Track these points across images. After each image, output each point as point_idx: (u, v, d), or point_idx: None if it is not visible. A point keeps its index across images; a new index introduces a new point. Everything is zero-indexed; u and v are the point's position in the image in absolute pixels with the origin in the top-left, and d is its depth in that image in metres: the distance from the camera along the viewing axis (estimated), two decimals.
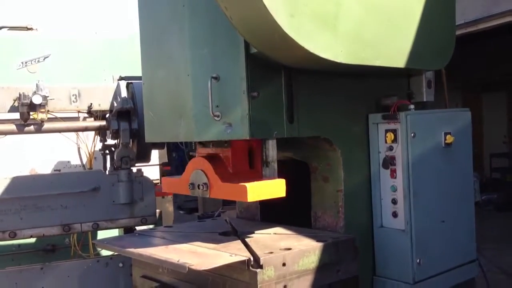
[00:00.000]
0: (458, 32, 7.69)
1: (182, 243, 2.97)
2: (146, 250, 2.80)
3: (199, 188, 2.95)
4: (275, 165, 2.92)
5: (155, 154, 6.71)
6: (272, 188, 2.83)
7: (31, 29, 6.59)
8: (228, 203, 12.41)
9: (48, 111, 4.28)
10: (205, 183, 2.90)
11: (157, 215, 6.51)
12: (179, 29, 2.89)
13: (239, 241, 2.97)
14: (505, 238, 9.04)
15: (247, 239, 3.00)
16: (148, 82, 3.20)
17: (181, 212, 13.74)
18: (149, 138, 3.22)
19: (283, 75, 2.85)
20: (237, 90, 2.71)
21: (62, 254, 5.47)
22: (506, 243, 8.68)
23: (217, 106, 2.74)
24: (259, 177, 2.92)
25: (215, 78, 2.74)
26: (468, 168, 3.41)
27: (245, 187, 2.70)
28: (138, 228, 4.52)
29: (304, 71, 2.89)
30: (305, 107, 2.95)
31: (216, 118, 2.74)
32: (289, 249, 2.75)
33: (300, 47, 2.43)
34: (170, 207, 8.06)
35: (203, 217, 11.81)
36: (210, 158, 2.93)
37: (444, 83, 3.77)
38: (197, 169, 2.96)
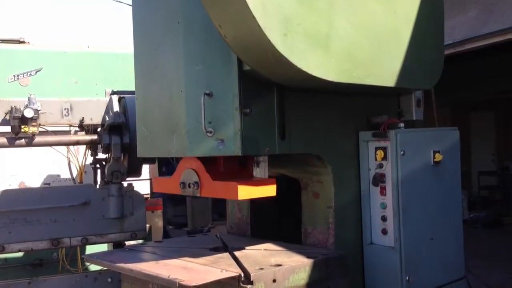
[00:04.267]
0: (446, 52, 7.80)
1: (173, 258, 2.97)
2: (137, 265, 2.79)
3: (189, 187, 2.96)
4: (266, 165, 2.94)
5: (145, 169, 6.70)
6: (262, 187, 2.86)
7: (23, 42, 6.60)
8: (217, 219, 12.37)
9: (39, 124, 4.27)
10: (196, 182, 2.92)
11: (147, 230, 6.49)
12: (173, 45, 2.92)
13: (229, 257, 2.98)
14: (494, 256, 9.09)
15: (237, 255, 3.01)
16: (141, 97, 3.22)
17: (170, 227, 13.62)
18: (141, 153, 3.23)
19: (276, 92, 2.88)
20: (230, 107, 2.74)
21: (50, 269, 5.42)
22: (495, 261, 8.72)
23: (209, 122, 2.76)
24: (249, 176, 2.95)
25: (208, 94, 2.76)
26: (457, 186, 3.46)
27: (236, 185, 2.72)
28: (127, 243, 4.50)
29: (296, 88, 2.93)
30: (297, 124, 2.99)
31: (208, 134, 2.76)
32: (280, 265, 2.76)
33: (292, 65, 2.47)
34: (159, 222, 8.01)
35: (192, 232, 11.74)
36: (201, 157, 2.93)
37: (433, 102, 3.84)
38: (188, 168, 2.97)
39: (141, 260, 2.99)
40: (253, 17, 2.30)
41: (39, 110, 4.23)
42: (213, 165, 2.99)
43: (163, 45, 3.00)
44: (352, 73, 2.75)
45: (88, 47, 6.69)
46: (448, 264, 3.38)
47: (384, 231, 3.18)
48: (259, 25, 2.32)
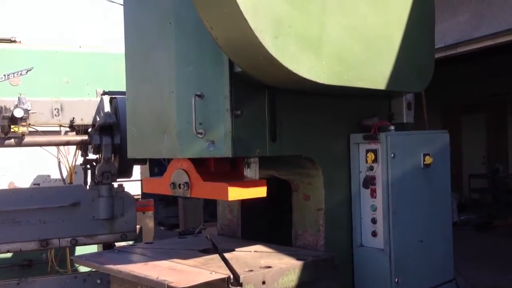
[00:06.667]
0: (438, 55, 7.87)
1: (162, 260, 2.96)
2: (125, 266, 2.78)
3: (180, 188, 2.95)
4: (257, 167, 2.94)
5: (137, 170, 6.68)
6: (253, 188, 2.86)
7: (14, 41, 6.56)
8: (209, 220, 12.35)
9: (29, 124, 4.24)
10: (186, 183, 2.91)
11: (137, 231, 6.46)
12: (165, 46, 2.91)
13: (219, 259, 2.97)
14: (483, 258, 9.14)
15: (227, 257, 3.00)
16: (132, 97, 3.20)
17: (162, 228, 13.61)
18: (131, 153, 3.22)
19: (267, 94, 2.88)
20: (221, 108, 2.73)
21: (39, 270, 5.37)
22: (484, 262, 8.78)
23: (200, 123, 2.76)
24: (240, 177, 2.96)
25: (199, 95, 2.76)
26: (446, 189, 3.48)
27: (226, 186, 2.72)
28: (117, 244, 4.48)
29: (287, 90, 2.94)
30: (288, 126, 2.99)
31: (199, 135, 2.75)
32: (269, 267, 2.76)
33: (284, 68, 2.47)
34: (150, 223, 7.98)
35: (184, 233, 11.71)
36: (192, 158, 2.92)
37: (424, 105, 3.86)
38: (178, 169, 2.97)
39: (130, 261, 2.97)
40: (245, 19, 2.30)
41: (29, 110, 4.20)
42: (204, 166, 2.99)
43: (154, 46, 2.99)
44: (343, 76, 2.76)
45: (80, 47, 6.66)
46: (438, 266, 3.39)
47: (374, 234, 3.19)
48: (250, 27, 2.32)
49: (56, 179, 5.81)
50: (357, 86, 2.85)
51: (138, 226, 6.52)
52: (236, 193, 2.78)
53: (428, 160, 3.29)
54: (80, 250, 5.00)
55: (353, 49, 2.80)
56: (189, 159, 2.93)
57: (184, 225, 12.95)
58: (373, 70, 2.94)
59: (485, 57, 11.36)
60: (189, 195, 2.95)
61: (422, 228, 3.29)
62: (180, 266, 2.82)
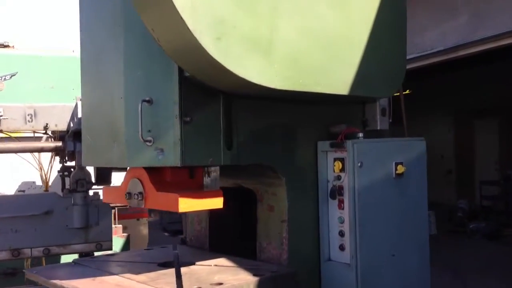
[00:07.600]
0: (439, 59, 7.63)
1: (114, 274, 2.82)
2: (70, 282, 2.64)
3: (135, 198, 2.81)
4: (217, 176, 2.78)
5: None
6: (207, 200, 2.69)
7: (7, 46, 6.52)
8: None
9: (1, 130, 4.17)
10: (141, 193, 2.77)
11: (125, 238, 6.35)
12: (114, 49, 2.78)
13: (173, 273, 2.81)
14: (490, 269, 8.81)
15: (183, 271, 2.85)
16: (86, 104, 3.08)
17: (166, 234, 13.52)
18: (85, 162, 3.09)
19: (222, 99, 2.72)
20: (170, 115, 2.58)
21: (23, 279, 5.29)
22: (490, 274, 8.46)
23: (149, 130, 2.61)
24: (199, 187, 2.79)
25: (148, 101, 2.61)
26: (422, 200, 3.26)
27: (176, 197, 2.56)
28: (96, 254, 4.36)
29: (246, 95, 2.77)
30: (246, 133, 2.83)
31: (147, 143, 2.61)
32: (221, 284, 2.59)
33: (228, 71, 2.31)
34: (144, 230, 7.87)
35: (186, 240, 11.58)
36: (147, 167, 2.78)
37: (402, 110, 3.65)
38: (134, 178, 2.83)
39: (80, 276, 2.83)
40: (182, 19, 2.15)
41: (1, 116, 4.14)
42: (161, 175, 2.84)
43: (105, 49, 2.87)
44: (299, 80, 2.58)
45: (73, 51, 6.58)
46: (412, 282, 3.18)
47: (342, 247, 3.00)
48: (188, 28, 2.17)
49: (42, 186, 5.73)
50: (316, 92, 2.67)
51: (125, 234, 6.43)
52: (187, 205, 2.62)
53: (401, 169, 3.08)
54: (64, 259, 4.89)
55: (310, 52, 2.62)
56: (144, 168, 2.79)
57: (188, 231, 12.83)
58: (333, 74, 2.75)
59: (497, 59, 11.03)
60: (143, 206, 2.82)
61: (393, 242, 3.08)
62: (128, 282, 2.68)
